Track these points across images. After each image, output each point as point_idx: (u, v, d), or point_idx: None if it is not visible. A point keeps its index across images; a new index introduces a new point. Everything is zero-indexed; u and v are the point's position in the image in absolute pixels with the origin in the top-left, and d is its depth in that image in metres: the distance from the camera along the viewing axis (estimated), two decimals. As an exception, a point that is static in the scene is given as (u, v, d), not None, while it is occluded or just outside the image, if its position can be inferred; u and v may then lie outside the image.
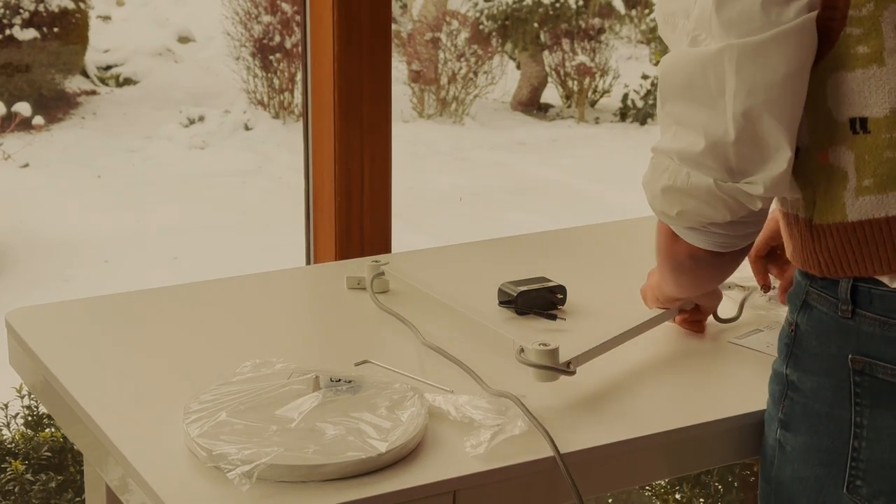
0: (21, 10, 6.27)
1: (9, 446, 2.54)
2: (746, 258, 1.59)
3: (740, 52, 1.29)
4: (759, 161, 1.33)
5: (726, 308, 1.74)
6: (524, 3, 7.71)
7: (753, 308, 1.77)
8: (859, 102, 1.30)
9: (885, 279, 1.32)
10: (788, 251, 1.42)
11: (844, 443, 1.37)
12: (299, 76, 6.36)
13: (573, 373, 1.50)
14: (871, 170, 1.30)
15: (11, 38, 6.26)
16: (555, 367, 1.48)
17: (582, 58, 7.75)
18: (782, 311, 1.71)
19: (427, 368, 1.58)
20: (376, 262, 1.84)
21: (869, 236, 1.31)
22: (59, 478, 2.48)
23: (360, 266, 1.86)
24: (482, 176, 6.72)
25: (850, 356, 1.34)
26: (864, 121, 1.30)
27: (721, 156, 1.33)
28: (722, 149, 1.32)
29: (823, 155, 1.33)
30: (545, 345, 1.49)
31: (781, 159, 1.32)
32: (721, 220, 1.38)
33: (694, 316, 1.70)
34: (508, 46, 7.80)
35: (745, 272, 1.73)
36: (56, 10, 6.38)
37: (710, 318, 1.71)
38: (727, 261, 1.46)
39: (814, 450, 1.40)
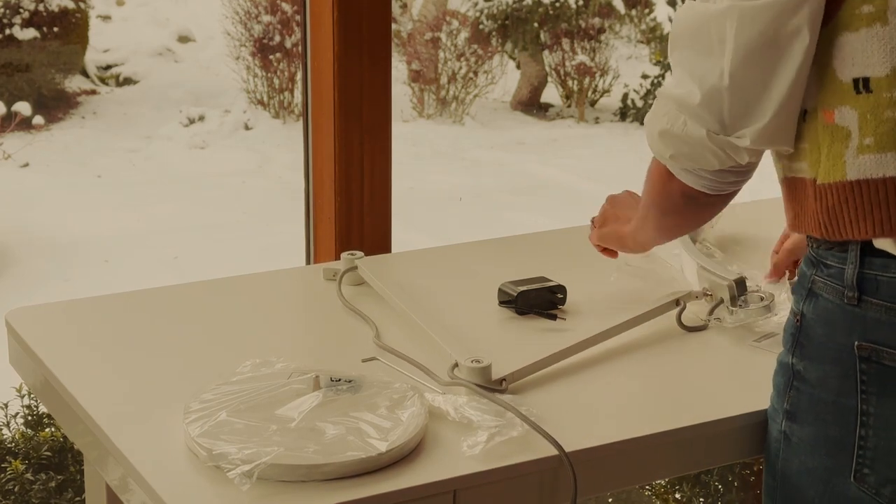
0: (21, 10, 6.28)
1: (9, 446, 2.54)
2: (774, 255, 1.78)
3: (741, 12, 1.34)
4: (748, 115, 1.38)
5: (692, 317, 1.73)
6: (524, 2, 7.71)
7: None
8: (863, 62, 1.32)
9: (889, 248, 1.32)
10: (789, 220, 1.44)
11: (851, 431, 1.37)
12: (299, 76, 6.37)
13: (505, 391, 1.49)
14: (873, 129, 1.32)
15: (11, 37, 6.27)
16: (485, 386, 1.48)
17: (582, 57, 7.75)
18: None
19: (381, 367, 1.58)
20: (351, 255, 1.86)
21: (865, 196, 1.33)
22: (59, 477, 2.48)
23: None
24: (482, 176, 6.72)
25: (856, 343, 1.35)
26: (866, 80, 1.32)
27: (716, 108, 1.38)
28: (717, 100, 1.38)
29: (829, 115, 1.35)
30: (478, 361, 1.49)
31: (766, 113, 1.37)
32: (709, 167, 1.44)
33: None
34: (508, 46, 7.80)
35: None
36: (56, 9, 6.38)
37: (676, 325, 1.71)
38: (715, 202, 1.52)
39: (820, 440, 1.40)
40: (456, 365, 1.51)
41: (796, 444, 1.43)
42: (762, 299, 1.70)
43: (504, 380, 1.50)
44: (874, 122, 1.32)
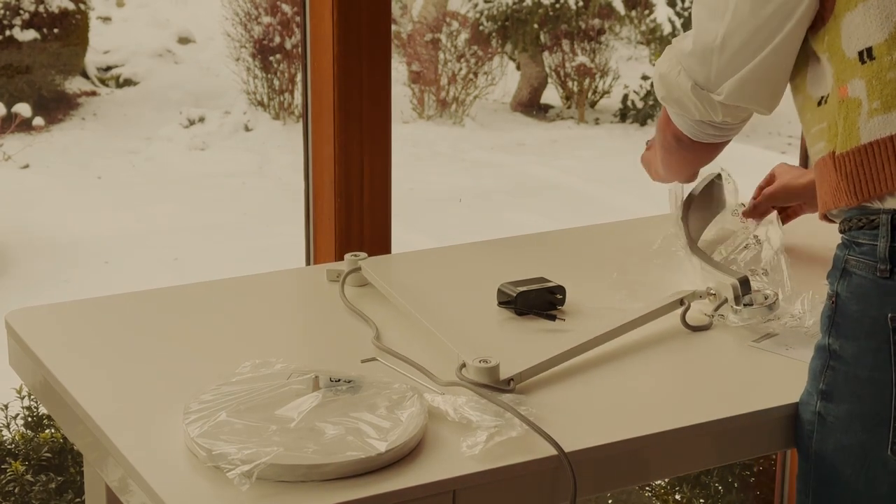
0: (21, 11, 6.27)
1: (9, 447, 2.54)
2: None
3: None
4: (729, 76, 1.57)
5: (697, 316, 1.73)
6: (524, 3, 7.71)
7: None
8: (864, 35, 1.43)
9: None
10: (821, 200, 1.51)
11: (886, 405, 1.41)
12: (299, 77, 6.36)
13: (512, 391, 1.50)
14: (878, 92, 1.42)
15: (12, 39, 6.26)
16: (493, 386, 1.48)
17: (582, 58, 7.75)
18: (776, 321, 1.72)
19: (380, 367, 1.58)
20: (355, 256, 1.86)
21: (878, 155, 1.41)
22: (59, 478, 2.48)
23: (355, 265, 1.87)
24: (482, 176, 6.71)
25: (889, 315, 1.40)
26: (869, 50, 1.43)
27: (706, 64, 1.58)
28: (707, 58, 1.57)
29: (843, 90, 1.45)
30: (485, 361, 1.49)
31: (739, 70, 1.55)
32: (690, 116, 1.66)
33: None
34: (508, 47, 7.80)
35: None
36: (56, 11, 6.38)
37: (681, 325, 1.71)
38: (699, 150, 1.74)
39: (856, 416, 1.44)
40: (464, 365, 1.51)
41: (832, 424, 1.46)
42: (766, 298, 1.70)
43: (511, 380, 1.50)
44: (879, 86, 1.42)
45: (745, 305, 1.69)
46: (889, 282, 1.40)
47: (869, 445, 1.43)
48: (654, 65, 7.84)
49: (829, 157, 1.46)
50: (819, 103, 1.49)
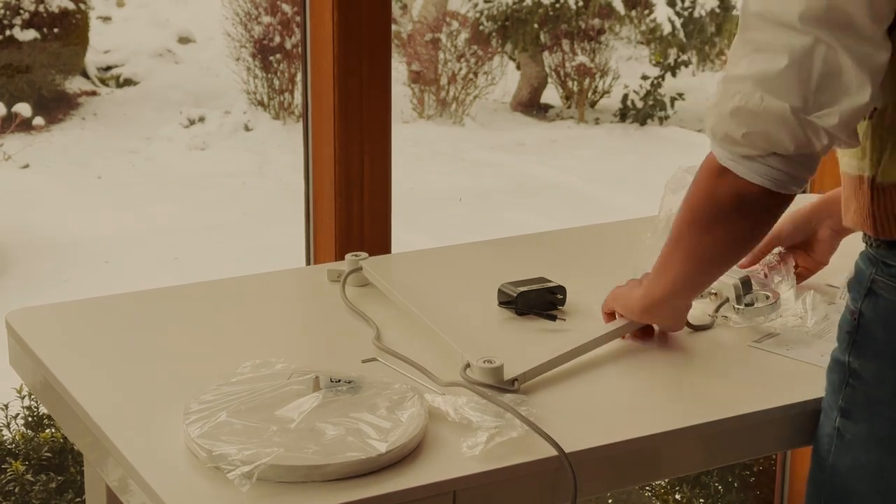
0: (21, 11, 6.27)
1: (9, 447, 2.54)
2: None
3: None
4: (839, 92, 1.31)
5: (699, 315, 1.73)
6: (524, 3, 7.71)
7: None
8: None
9: None
10: (849, 216, 1.43)
11: None
12: (299, 77, 6.36)
13: (517, 391, 1.50)
14: None
15: (12, 38, 6.26)
16: (498, 386, 1.48)
17: (582, 58, 7.75)
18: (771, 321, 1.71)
19: (381, 367, 1.58)
20: (356, 256, 1.86)
21: None
22: (59, 478, 2.48)
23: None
24: (482, 176, 6.71)
25: None
26: None
27: (804, 76, 1.31)
28: (805, 70, 1.31)
29: None
30: (490, 361, 1.49)
31: (864, 90, 1.31)
32: (785, 149, 1.35)
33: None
34: (508, 47, 7.80)
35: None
36: (56, 10, 6.37)
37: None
38: (770, 207, 1.41)
39: (875, 436, 1.42)
40: (468, 365, 1.51)
41: (850, 441, 1.44)
42: (768, 298, 1.70)
43: (516, 380, 1.50)
44: None
45: (746, 305, 1.69)
46: None
47: (887, 466, 1.42)
48: (654, 65, 7.87)
49: (869, 181, 1.38)
50: (869, 116, 1.37)
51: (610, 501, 2.87)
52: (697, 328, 1.70)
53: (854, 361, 1.43)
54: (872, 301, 1.40)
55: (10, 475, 2.45)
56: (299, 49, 5.39)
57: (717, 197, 1.41)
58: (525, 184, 6.65)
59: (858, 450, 1.43)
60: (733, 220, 1.43)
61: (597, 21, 7.82)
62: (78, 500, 2.48)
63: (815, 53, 1.30)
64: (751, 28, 1.35)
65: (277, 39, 7.00)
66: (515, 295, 1.76)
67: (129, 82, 7.16)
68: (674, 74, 7.75)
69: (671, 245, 1.52)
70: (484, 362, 1.50)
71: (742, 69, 1.35)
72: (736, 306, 1.70)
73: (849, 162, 1.42)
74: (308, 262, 2.26)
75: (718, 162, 1.40)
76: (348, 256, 1.87)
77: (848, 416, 1.44)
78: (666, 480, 2.84)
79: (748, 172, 1.38)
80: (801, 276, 1.81)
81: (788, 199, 1.41)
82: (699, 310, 1.73)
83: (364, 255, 1.87)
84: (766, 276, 1.78)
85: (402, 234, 2.54)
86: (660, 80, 7.63)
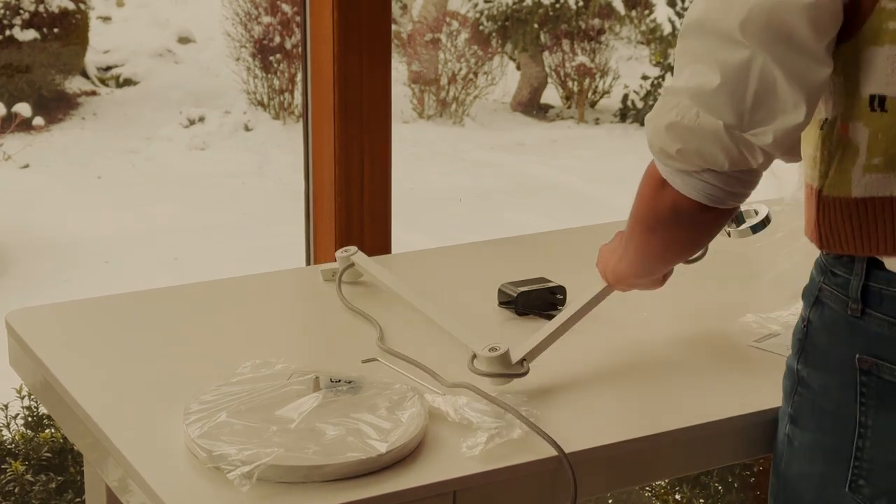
0: (21, 11, 6.27)
1: (9, 447, 2.54)
2: None
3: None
4: (775, 110, 1.30)
5: None
6: (524, 3, 7.71)
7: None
8: (882, 79, 1.28)
9: (888, 263, 1.31)
10: (804, 224, 1.40)
11: (849, 442, 1.37)
12: (299, 77, 6.36)
13: (527, 371, 1.50)
14: (883, 149, 1.29)
15: (12, 38, 6.26)
16: (507, 373, 1.49)
17: (582, 58, 7.75)
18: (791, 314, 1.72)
19: (381, 367, 1.58)
20: (346, 251, 1.85)
21: (871, 214, 1.31)
22: (59, 478, 2.48)
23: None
24: (482, 176, 6.72)
25: (857, 356, 1.34)
26: (882, 99, 1.28)
27: (739, 94, 1.29)
28: (741, 88, 1.29)
29: (845, 127, 1.31)
30: (495, 349, 1.49)
31: (799, 113, 1.29)
32: (719, 166, 1.33)
33: None
34: (508, 47, 7.80)
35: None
36: (56, 10, 6.38)
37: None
38: (708, 221, 1.40)
39: (819, 447, 1.40)
40: (475, 356, 1.51)
41: (797, 449, 1.43)
42: (756, 213, 1.69)
43: (524, 359, 1.50)
44: (885, 143, 1.29)
45: (734, 224, 1.68)
46: (859, 321, 1.33)
47: (829, 479, 1.40)
48: (654, 65, 7.87)
49: (816, 193, 1.36)
50: (821, 126, 1.35)
51: (610, 501, 2.86)
52: (689, 261, 1.68)
53: (803, 369, 1.41)
54: (819, 310, 1.39)
55: (10, 475, 2.44)
56: (299, 49, 5.39)
57: (657, 207, 1.41)
58: (525, 184, 6.66)
59: (804, 459, 1.42)
60: (671, 229, 1.42)
61: (597, 21, 7.83)
62: (78, 500, 2.48)
63: (752, 70, 1.28)
64: (689, 36, 1.32)
65: (277, 39, 7.00)
66: (515, 295, 1.76)
67: (128, 82, 7.17)
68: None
69: (627, 235, 1.52)
70: (489, 350, 1.49)
71: (682, 81, 1.33)
72: (726, 229, 1.69)
73: (804, 169, 1.40)
74: (308, 262, 2.26)
75: (659, 172, 1.40)
76: (338, 254, 1.86)
77: (796, 423, 1.43)
78: (666, 480, 2.84)
79: (684, 187, 1.36)
80: None
81: (727, 213, 1.39)
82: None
83: (354, 248, 1.87)
84: None
85: (402, 234, 2.54)
86: (660, 80, 7.63)
